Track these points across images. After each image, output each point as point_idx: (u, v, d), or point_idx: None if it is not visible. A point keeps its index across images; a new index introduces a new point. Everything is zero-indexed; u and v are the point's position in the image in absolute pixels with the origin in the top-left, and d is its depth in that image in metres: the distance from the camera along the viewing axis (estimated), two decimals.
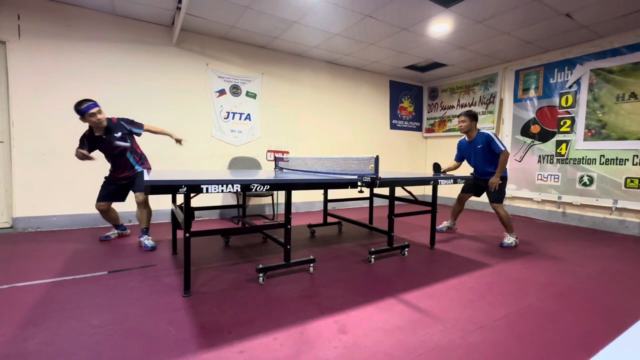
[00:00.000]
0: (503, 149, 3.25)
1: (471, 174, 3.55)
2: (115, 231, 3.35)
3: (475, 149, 3.44)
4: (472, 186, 3.61)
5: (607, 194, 4.18)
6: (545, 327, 1.72)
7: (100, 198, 3.09)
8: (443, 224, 3.94)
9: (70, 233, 3.53)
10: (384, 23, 3.91)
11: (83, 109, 2.75)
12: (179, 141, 3.29)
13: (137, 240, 3.14)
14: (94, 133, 2.89)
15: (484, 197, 3.67)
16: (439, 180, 2.92)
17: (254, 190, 1.97)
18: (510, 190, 5.26)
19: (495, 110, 5.51)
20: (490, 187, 3.33)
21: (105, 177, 3.12)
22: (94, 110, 2.79)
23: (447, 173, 3.71)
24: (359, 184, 2.34)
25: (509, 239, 3.33)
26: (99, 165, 3.85)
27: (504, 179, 3.35)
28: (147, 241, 3.00)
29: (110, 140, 2.95)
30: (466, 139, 3.56)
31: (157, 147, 4.18)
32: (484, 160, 3.41)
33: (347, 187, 2.34)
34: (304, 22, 3.93)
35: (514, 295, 2.12)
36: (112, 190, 3.11)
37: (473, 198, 3.89)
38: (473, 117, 3.43)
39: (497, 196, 3.35)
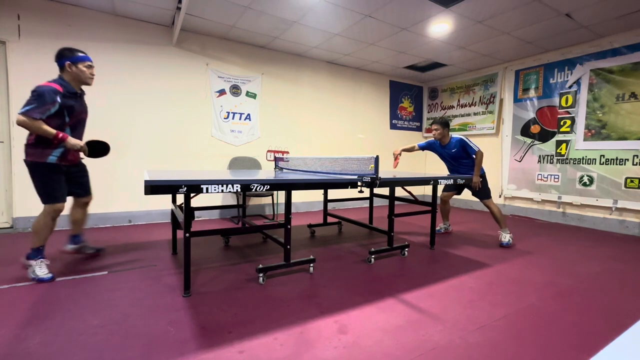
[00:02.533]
0: (477, 149, 3.38)
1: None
2: (74, 245, 2.54)
3: (450, 152, 3.57)
4: (454, 185, 3.70)
5: (607, 194, 4.18)
6: (545, 327, 1.72)
7: (65, 195, 2.32)
8: (440, 226, 3.96)
9: None
10: (384, 23, 3.91)
11: (80, 56, 2.27)
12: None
13: (67, 248, 2.64)
14: (70, 89, 2.25)
15: None
16: (439, 180, 2.92)
17: (254, 190, 1.97)
18: (510, 190, 5.26)
19: (495, 110, 5.51)
20: (474, 187, 3.42)
21: (50, 165, 2.20)
22: (92, 62, 2.33)
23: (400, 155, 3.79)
24: (359, 184, 2.34)
25: (505, 237, 3.35)
26: (100, 164, 3.86)
27: (482, 175, 3.46)
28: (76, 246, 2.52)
29: (83, 102, 2.40)
30: (440, 142, 3.66)
31: (157, 147, 4.19)
32: (458, 163, 3.58)
33: (347, 187, 2.34)
34: (304, 22, 3.93)
35: (514, 295, 2.12)
36: (65, 183, 2.34)
37: (472, 198, 3.90)
38: (445, 124, 3.56)
39: (484, 193, 3.45)
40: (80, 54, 2.29)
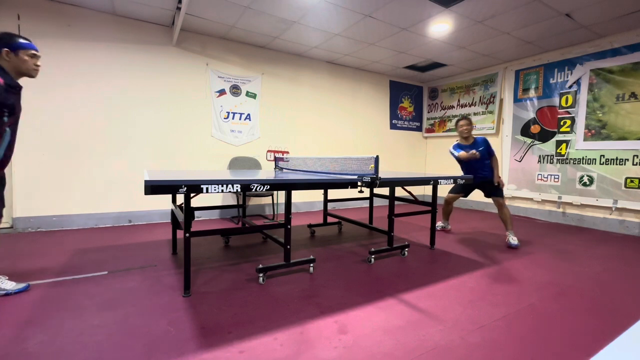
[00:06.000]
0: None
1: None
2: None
3: (477, 151, 3.51)
4: (462, 187, 3.73)
5: (607, 194, 4.18)
6: (545, 327, 1.72)
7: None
8: (438, 224, 3.96)
9: (70, 233, 3.53)
10: (384, 23, 3.91)
11: (22, 42, 1.93)
12: None
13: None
14: (11, 81, 1.90)
15: (480, 196, 3.77)
16: (439, 180, 2.92)
17: (254, 190, 1.97)
18: (510, 190, 5.26)
19: (495, 110, 5.51)
20: (501, 185, 3.54)
21: None
22: (37, 51, 1.99)
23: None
24: (359, 184, 2.34)
25: (514, 238, 3.35)
26: (100, 164, 3.86)
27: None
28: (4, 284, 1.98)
29: (20, 98, 2.02)
30: (463, 143, 3.63)
31: (157, 147, 4.19)
32: (482, 163, 3.57)
33: (347, 187, 2.34)
34: (304, 22, 3.93)
35: (514, 295, 2.12)
36: None
37: (473, 198, 3.90)
38: (470, 122, 3.65)
39: (501, 191, 3.53)
40: (23, 41, 1.94)
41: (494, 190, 3.52)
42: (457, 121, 3.67)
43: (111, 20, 3.85)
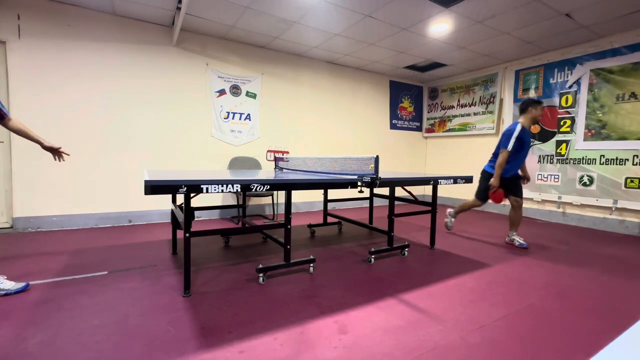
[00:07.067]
0: None
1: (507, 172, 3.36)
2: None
3: (530, 140, 3.33)
4: (485, 193, 3.44)
5: (607, 194, 4.18)
6: (545, 327, 1.72)
7: None
8: (450, 211, 3.92)
9: (70, 233, 3.53)
10: (384, 23, 3.91)
11: None
12: (54, 152, 2.17)
13: None
14: None
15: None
16: (439, 180, 2.92)
17: (254, 190, 1.97)
18: None
19: (495, 110, 5.51)
20: (527, 182, 3.47)
21: None
22: None
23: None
24: (359, 184, 2.34)
25: (519, 237, 3.34)
26: (100, 164, 3.87)
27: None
28: None
29: None
30: (527, 128, 3.28)
31: (157, 147, 4.19)
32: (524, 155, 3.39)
33: (347, 187, 2.34)
34: (304, 22, 3.93)
35: (514, 295, 2.12)
36: None
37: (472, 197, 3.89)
38: None
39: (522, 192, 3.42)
40: None
41: (518, 188, 3.34)
42: (536, 103, 3.23)
43: (111, 20, 3.85)
